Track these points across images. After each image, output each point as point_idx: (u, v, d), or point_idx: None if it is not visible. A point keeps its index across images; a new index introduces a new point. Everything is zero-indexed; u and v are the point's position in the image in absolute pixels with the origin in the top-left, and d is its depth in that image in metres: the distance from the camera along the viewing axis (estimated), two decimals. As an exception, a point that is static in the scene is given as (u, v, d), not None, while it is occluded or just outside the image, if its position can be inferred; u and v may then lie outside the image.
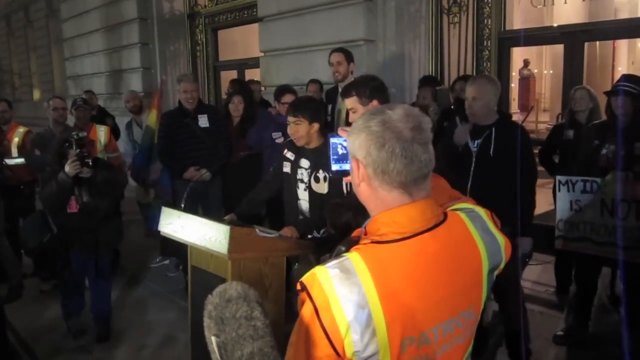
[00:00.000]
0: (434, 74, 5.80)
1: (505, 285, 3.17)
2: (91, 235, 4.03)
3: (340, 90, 4.49)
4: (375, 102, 2.55)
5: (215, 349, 1.43)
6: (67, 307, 4.29)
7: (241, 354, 1.40)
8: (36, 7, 17.13)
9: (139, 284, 5.39)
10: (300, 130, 3.12)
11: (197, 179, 4.40)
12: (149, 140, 5.59)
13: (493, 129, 3.29)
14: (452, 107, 4.50)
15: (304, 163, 3.22)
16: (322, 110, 3.46)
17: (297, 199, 3.28)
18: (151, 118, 5.67)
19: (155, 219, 3.60)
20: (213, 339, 1.45)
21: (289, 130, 3.19)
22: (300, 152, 3.24)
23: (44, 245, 4.02)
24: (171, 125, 4.80)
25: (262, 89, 6.88)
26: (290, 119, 3.14)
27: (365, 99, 2.60)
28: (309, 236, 3.04)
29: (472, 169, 3.34)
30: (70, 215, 3.95)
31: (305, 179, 3.20)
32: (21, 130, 5.66)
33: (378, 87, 2.67)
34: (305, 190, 3.22)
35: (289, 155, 3.30)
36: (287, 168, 3.32)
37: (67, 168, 3.81)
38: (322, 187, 3.14)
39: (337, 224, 2.67)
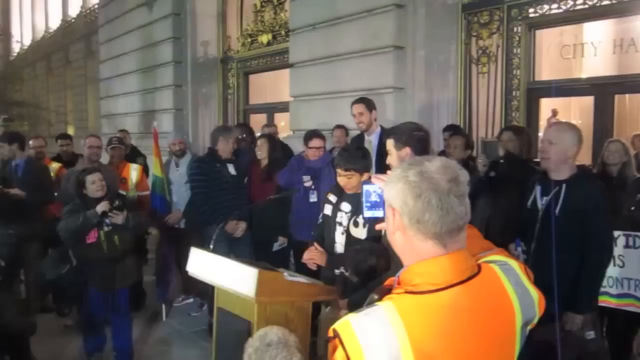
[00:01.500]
0: (462, 123, 5.84)
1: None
2: (109, 269, 4.07)
3: (365, 137, 4.57)
4: (407, 149, 2.58)
5: None
6: (88, 343, 4.31)
7: None
8: (75, 48, 17.84)
9: (162, 323, 5.39)
10: (352, 182, 3.16)
11: (235, 233, 4.74)
12: (161, 189, 5.53)
13: (564, 185, 2.93)
14: (501, 160, 4.42)
15: (345, 207, 3.25)
16: (369, 158, 3.48)
17: (334, 242, 3.29)
18: (156, 167, 5.60)
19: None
20: None
21: (341, 182, 3.21)
22: (342, 196, 3.27)
23: (62, 278, 4.06)
24: (206, 173, 4.88)
25: (291, 132, 6.98)
26: (341, 171, 3.16)
27: (399, 144, 2.63)
28: (337, 271, 3.01)
29: (536, 229, 3.03)
30: (89, 247, 4.02)
31: (345, 223, 3.22)
32: (55, 165, 5.82)
33: (415, 136, 2.68)
34: (342, 234, 3.23)
35: (332, 198, 3.34)
36: (327, 210, 3.35)
37: (98, 207, 3.95)
38: (361, 232, 3.15)
39: (360, 270, 2.66)
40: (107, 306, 4.20)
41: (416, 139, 2.68)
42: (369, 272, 2.61)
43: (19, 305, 4.64)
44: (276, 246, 4.92)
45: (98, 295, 4.15)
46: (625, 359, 3.88)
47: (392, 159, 2.71)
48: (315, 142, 4.73)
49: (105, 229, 4.02)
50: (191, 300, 5.83)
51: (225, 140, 4.92)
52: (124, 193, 4.68)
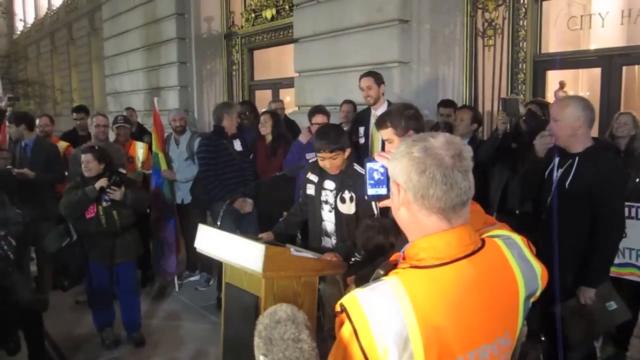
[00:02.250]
0: (467, 97, 5.80)
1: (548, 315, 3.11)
2: (108, 243, 4.19)
3: (372, 112, 4.54)
4: (411, 132, 2.52)
5: None
6: (97, 318, 4.42)
7: None
8: (79, 26, 17.73)
9: (170, 297, 5.48)
10: (338, 161, 3.16)
11: (244, 210, 4.82)
12: (159, 164, 5.56)
13: (577, 158, 2.91)
14: (522, 118, 4.40)
15: (329, 185, 3.26)
16: (345, 133, 3.48)
17: (322, 220, 3.30)
18: (154, 143, 5.63)
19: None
20: (261, 358, 1.50)
21: (327, 164, 3.20)
22: (324, 174, 3.27)
23: (62, 250, 4.18)
24: (214, 151, 4.90)
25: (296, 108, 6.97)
26: (326, 155, 3.14)
27: (400, 130, 2.58)
28: (352, 259, 3.05)
29: (548, 200, 3.01)
30: (89, 221, 4.14)
31: (331, 201, 3.23)
32: (62, 144, 5.85)
33: (412, 116, 2.64)
34: (330, 211, 3.25)
35: (313, 177, 3.34)
36: (310, 190, 3.36)
37: (97, 184, 4.08)
38: (349, 208, 3.17)
39: (369, 246, 2.70)
40: (110, 280, 4.29)
41: (414, 119, 2.64)
42: (377, 248, 2.64)
43: (31, 282, 4.73)
44: None
45: (100, 270, 4.26)
46: (631, 327, 3.93)
47: (393, 146, 2.67)
48: (319, 118, 4.73)
49: (104, 204, 4.15)
50: (198, 276, 5.90)
51: (229, 117, 4.93)
52: (124, 171, 4.68)
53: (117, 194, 4.13)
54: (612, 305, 2.99)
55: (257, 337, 1.56)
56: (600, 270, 2.95)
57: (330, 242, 3.33)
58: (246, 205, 4.85)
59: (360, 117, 4.89)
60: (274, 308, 1.63)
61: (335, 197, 3.22)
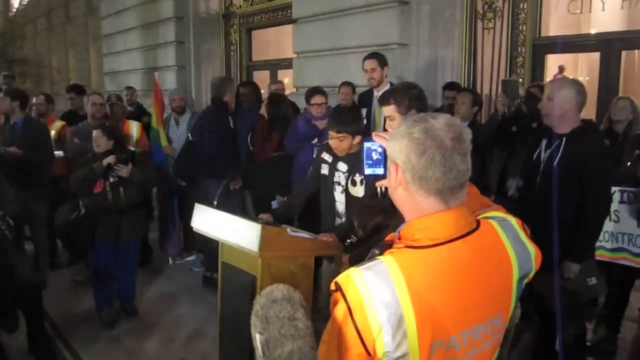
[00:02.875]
0: (466, 80, 5.79)
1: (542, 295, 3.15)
2: (114, 219, 4.24)
3: (375, 93, 4.52)
4: (413, 112, 2.53)
5: (259, 345, 1.52)
6: (97, 296, 4.47)
7: (281, 352, 1.48)
8: (76, 5, 17.52)
9: (167, 278, 5.51)
10: (344, 144, 3.16)
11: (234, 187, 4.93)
12: (158, 141, 5.58)
13: (564, 138, 3.00)
14: (522, 99, 4.41)
15: (342, 166, 3.27)
16: (362, 120, 3.47)
17: (334, 200, 3.32)
18: (153, 119, 5.63)
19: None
20: (257, 336, 1.53)
21: (332, 144, 3.21)
22: (338, 156, 3.29)
23: (70, 224, 4.27)
24: (220, 124, 4.94)
25: (295, 89, 6.94)
26: (333, 134, 3.16)
27: (403, 108, 2.59)
28: (348, 240, 3.07)
29: (537, 180, 3.11)
30: (96, 196, 4.21)
31: (343, 182, 3.25)
32: (58, 124, 5.81)
33: (417, 95, 2.66)
34: (342, 192, 3.27)
35: (327, 157, 3.35)
36: (324, 170, 3.37)
37: (104, 160, 4.13)
38: (358, 191, 3.18)
39: (368, 226, 2.71)
40: (114, 258, 4.34)
41: (418, 99, 2.66)
42: (376, 228, 2.65)
43: (30, 260, 4.75)
44: (275, 204, 4.97)
45: (105, 247, 4.30)
46: (623, 310, 3.98)
47: (394, 124, 2.68)
48: (317, 99, 4.70)
49: (111, 180, 4.20)
50: (194, 257, 5.92)
51: (231, 92, 4.95)
52: (132, 149, 4.68)
53: (124, 170, 4.19)
54: (593, 280, 3.06)
55: (254, 316, 1.59)
56: (586, 247, 3.04)
57: (340, 222, 3.35)
58: (238, 182, 4.99)
59: (362, 99, 4.88)
60: (270, 288, 1.66)
61: (347, 179, 3.24)
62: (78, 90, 6.44)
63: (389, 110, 2.65)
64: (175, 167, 5.55)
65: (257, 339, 1.55)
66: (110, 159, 4.16)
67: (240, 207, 4.88)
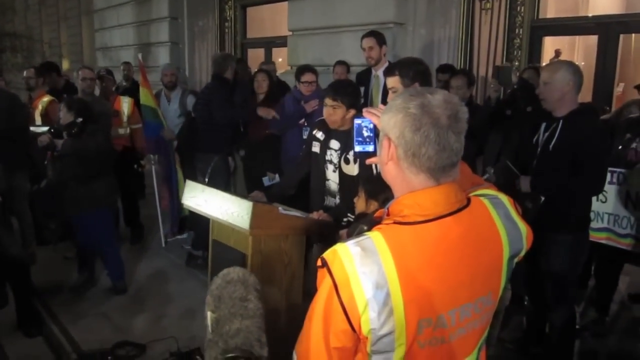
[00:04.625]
0: (462, 61, 5.74)
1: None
2: (61, 192, 4.25)
3: (373, 72, 4.48)
4: (417, 85, 2.53)
5: (209, 323, 1.56)
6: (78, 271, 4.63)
7: (229, 328, 1.53)
8: (68, -22, 17.30)
9: (158, 255, 5.49)
10: (337, 114, 3.11)
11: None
12: (156, 118, 5.45)
13: (561, 121, 2.96)
14: (514, 86, 4.39)
15: (334, 144, 3.22)
16: (360, 96, 3.44)
17: (326, 179, 3.29)
18: (146, 97, 5.45)
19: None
20: (209, 314, 1.59)
21: (325, 113, 3.16)
22: (330, 133, 3.24)
23: (40, 190, 4.39)
24: (225, 98, 4.93)
25: (288, 68, 6.88)
26: (329, 101, 3.10)
27: (407, 80, 2.58)
28: (345, 220, 3.03)
29: (534, 163, 3.10)
30: (45, 169, 4.36)
31: (335, 160, 3.21)
32: (46, 99, 5.70)
33: (423, 71, 2.66)
34: (334, 171, 3.23)
35: (319, 135, 3.30)
36: (316, 148, 3.32)
37: (39, 139, 4.35)
38: (352, 169, 3.14)
39: (379, 198, 2.63)
40: (85, 230, 4.38)
41: (423, 74, 2.66)
42: (385, 201, 2.60)
43: (17, 236, 4.71)
44: (267, 181, 4.95)
45: (72, 220, 4.43)
46: (612, 293, 4.00)
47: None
48: (307, 77, 4.66)
49: (55, 154, 4.28)
50: (185, 234, 5.89)
51: (232, 70, 4.92)
52: (79, 120, 4.29)
53: (57, 144, 4.22)
54: (529, 205, 3.01)
55: (208, 295, 1.66)
56: (550, 184, 2.97)
57: (334, 201, 3.32)
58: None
59: (360, 78, 4.83)
60: (227, 270, 1.73)
61: (340, 157, 3.20)
62: (37, 71, 6.03)
63: (393, 81, 2.64)
64: (178, 143, 5.51)
65: (209, 316, 1.62)
66: (42, 138, 4.25)
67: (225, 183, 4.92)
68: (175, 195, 5.63)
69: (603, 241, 3.71)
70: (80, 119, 4.20)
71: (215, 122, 4.88)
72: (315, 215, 3.02)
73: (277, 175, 4.95)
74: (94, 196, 4.30)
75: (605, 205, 3.68)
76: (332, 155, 3.24)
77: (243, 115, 5.02)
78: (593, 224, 3.70)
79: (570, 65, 3.02)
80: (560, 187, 2.91)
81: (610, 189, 3.66)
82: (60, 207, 4.32)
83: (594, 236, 3.74)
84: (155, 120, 5.47)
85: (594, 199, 3.59)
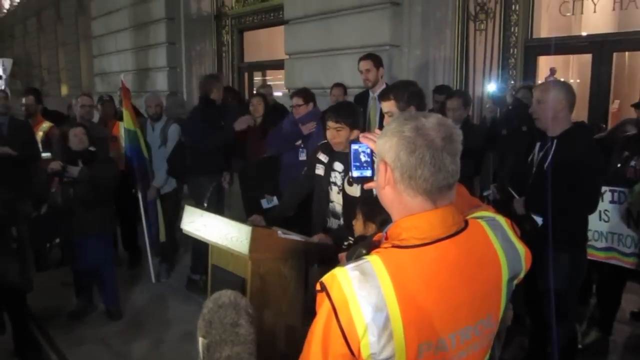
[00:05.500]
0: (458, 81, 5.78)
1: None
2: (69, 218, 4.25)
3: (370, 94, 4.52)
4: (412, 108, 2.55)
5: (200, 348, 1.55)
6: (77, 296, 4.62)
7: (219, 356, 1.52)
8: (67, 4, 17.45)
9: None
10: (341, 135, 3.13)
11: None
12: (136, 142, 5.20)
13: (555, 140, 2.97)
14: (509, 106, 4.42)
15: (338, 166, 3.24)
16: (362, 117, 3.47)
17: (330, 201, 3.29)
18: (127, 120, 5.20)
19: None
20: (200, 339, 1.56)
21: (328, 135, 3.18)
22: (334, 155, 3.26)
23: (32, 222, 4.36)
24: (211, 120, 4.95)
25: (286, 91, 6.92)
26: (331, 124, 3.12)
27: (402, 104, 2.60)
28: (346, 243, 3.03)
29: (529, 182, 3.10)
30: (51, 195, 4.29)
31: (339, 182, 3.22)
32: (45, 125, 5.74)
33: (417, 93, 2.68)
34: (338, 193, 3.23)
35: (323, 157, 3.32)
36: (320, 170, 3.33)
37: (49, 167, 4.27)
38: (355, 191, 3.15)
39: (376, 220, 2.62)
40: (84, 256, 4.36)
41: (418, 96, 2.68)
42: (383, 223, 2.59)
43: (16, 263, 4.69)
44: (265, 203, 4.95)
45: (72, 246, 4.42)
46: (614, 312, 3.97)
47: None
48: (295, 100, 4.73)
49: (65, 180, 4.22)
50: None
51: (217, 90, 4.94)
52: (93, 149, 4.47)
53: (73, 171, 4.21)
54: (527, 226, 2.99)
55: (200, 320, 1.65)
56: (543, 204, 2.86)
57: (337, 223, 3.32)
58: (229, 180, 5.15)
59: (358, 99, 4.86)
60: (219, 293, 1.72)
61: (343, 179, 3.21)
62: (36, 97, 6.11)
63: (388, 105, 2.66)
64: (168, 167, 5.39)
65: (200, 342, 1.60)
66: (54, 165, 4.21)
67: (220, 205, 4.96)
68: (153, 222, 5.46)
69: (608, 260, 3.70)
70: (93, 147, 4.36)
71: (197, 142, 4.93)
72: (315, 238, 3.02)
73: (275, 198, 4.95)
74: (101, 221, 4.39)
75: (608, 225, 3.67)
76: (336, 177, 3.25)
77: (226, 139, 4.96)
78: (597, 244, 3.70)
79: (563, 84, 3.06)
80: (554, 206, 2.91)
81: (612, 208, 3.66)
82: (66, 232, 4.34)
83: (598, 255, 3.73)
84: (134, 144, 5.21)
85: (596, 218, 3.60)
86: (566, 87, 3.02)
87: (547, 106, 2.95)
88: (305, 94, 4.78)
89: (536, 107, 3.02)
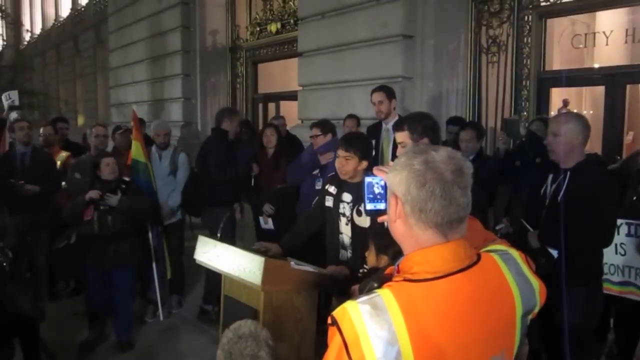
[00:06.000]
0: (471, 113, 5.80)
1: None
2: (101, 247, 4.25)
3: (383, 126, 4.55)
4: (425, 140, 2.55)
5: None
6: (91, 328, 4.55)
7: None
8: (85, 37, 17.89)
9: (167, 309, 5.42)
10: (349, 165, 3.14)
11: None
12: (146, 175, 5.09)
13: (569, 172, 2.94)
14: (523, 139, 4.41)
15: (346, 197, 3.24)
16: (371, 148, 3.49)
17: (339, 232, 3.29)
18: (138, 152, 5.12)
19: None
20: None
21: (337, 164, 3.20)
22: (342, 186, 3.27)
23: (59, 252, 4.40)
24: (222, 151, 4.98)
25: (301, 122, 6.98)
26: (341, 152, 3.15)
27: (416, 135, 2.60)
28: (360, 271, 3.01)
29: (543, 215, 3.06)
30: (85, 224, 4.27)
31: (348, 213, 3.22)
32: (63, 154, 5.83)
33: (431, 126, 2.68)
34: (347, 224, 3.23)
35: (332, 189, 3.33)
36: (329, 202, 3.34)
37: (87, 195, 4.22)
38: (365, 221, 3.14)
39: (388, 252, 2.60)
40: (104, 286, 4.36)
41: (432, 129, 2.68)
42: (395, 255, 2.57)
43: (27, 293, 4.72)
44: (263, 222, 5.12)
45: (96, 275, 4.36)
46: (633, 348, 3.88)
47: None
48: (313, 131, 4.84)
49: (101, 208, 4.24)
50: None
51: (229, 121, 4.99)
52: (127, 179, 4.62)
53: (112, 200, 4.24)
54: (542, 259, 2.95)
55: (219, 350, 1.64)
56: (557, 237, 2.83)
57: (346, 254, 3.31)
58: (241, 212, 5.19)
59: (371, 131, 4.88)
60: (239, 323, 1.70)
61: (352, 210, 3.21)
62: (54, 128, 6.13)
63: (402, 136, 2.66)
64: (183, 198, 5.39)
65: None
66: (92, 194, 4.20)
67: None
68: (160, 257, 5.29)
69: (627, 295, 3.62)
70: (125, 177, 4.45)
71: (209, 173, 4.97)
72: (330, 269, 3.00)
73: (270, 220, 5.03)
74: (131, 251, 4.44)
75: (625, 258, 3.61)
76: (345, 208, 3.25)
77: (242, 173, 5.04)
78: (614, 278, 3.64)
79: (579, 117, 3.03)
80: (569, 239, 2.87)
81: (629, 241, 3.60)
82: (92, 262, 4.33)
83: (615, 290, 3.66)
84: (144, 177, 5.12)
85: (612, 251, 3.55)
86: (582, 120, 3.00)
87: (563, 139, 2.93)
88: (324, 125, 4.84)
89: (552, 140, 3.00)
